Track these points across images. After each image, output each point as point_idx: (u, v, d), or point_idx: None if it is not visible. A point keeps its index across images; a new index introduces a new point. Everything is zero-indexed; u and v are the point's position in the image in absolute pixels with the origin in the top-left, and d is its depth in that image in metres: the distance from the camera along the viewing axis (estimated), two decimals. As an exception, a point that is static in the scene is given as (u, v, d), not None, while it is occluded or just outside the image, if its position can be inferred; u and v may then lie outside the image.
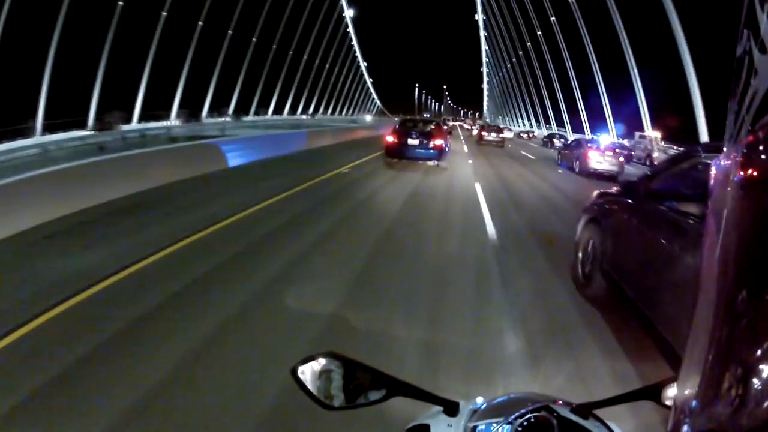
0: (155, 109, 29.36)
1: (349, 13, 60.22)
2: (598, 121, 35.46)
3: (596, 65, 33.28)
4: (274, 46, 41.83)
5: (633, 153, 23.90)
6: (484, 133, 28.12)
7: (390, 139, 12.08)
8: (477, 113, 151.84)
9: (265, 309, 3.42)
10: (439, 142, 11.87)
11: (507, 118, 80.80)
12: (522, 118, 66.32)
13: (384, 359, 2.73)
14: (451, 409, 0.83)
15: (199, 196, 7.30)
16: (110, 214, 5.91)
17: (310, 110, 57.02)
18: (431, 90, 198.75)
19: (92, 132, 23.23)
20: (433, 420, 0.82)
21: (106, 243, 4.77)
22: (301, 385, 0.78)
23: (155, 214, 5.98)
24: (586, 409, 0.77)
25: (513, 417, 0.72)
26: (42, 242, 4.75)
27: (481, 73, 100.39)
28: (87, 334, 2.90)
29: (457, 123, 71.53)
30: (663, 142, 24.37)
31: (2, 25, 18.16)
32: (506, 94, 76.03)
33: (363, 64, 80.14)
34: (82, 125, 23.43)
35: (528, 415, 0.72)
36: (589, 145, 15.14)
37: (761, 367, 0.36)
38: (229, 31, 33.51)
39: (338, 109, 72.80)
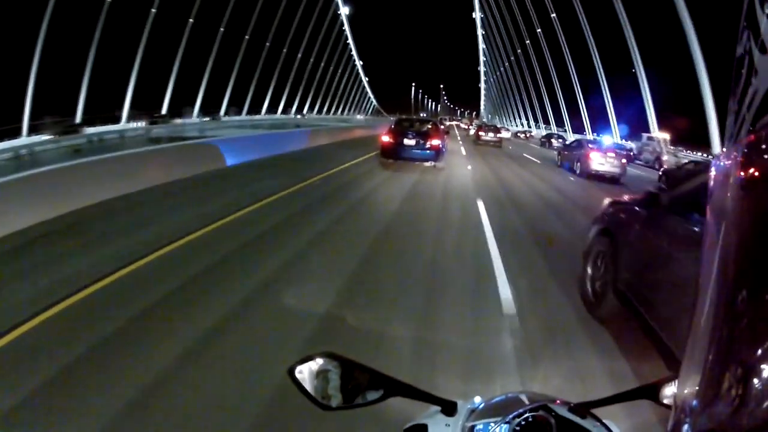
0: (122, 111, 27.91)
1: (344, 10, 60.36)
2: (599, 121, 35.65)
3: (599, 62, 33.08)
4: (268, 44, 41.66)
5: (633, 154, 23.91)
6: (481, 133, 28.27)
7: (385, 139, 12.05)
8: (474, 113, 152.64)
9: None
10: (436, 142, 11.87)
11: (504, 118, 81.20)
12: (519, 118, 66.67)
13: None
14: (449, 408, 0.84)
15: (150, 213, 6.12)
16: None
17: (294, 109, 55.03)
18: (428, 89, 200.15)
19: (52, 136, 21.72)
20: (430, 420, 0.84)
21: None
22: (298, 385, 0.80)
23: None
24: (584, 409, 0.78)
25: (511, 416, 0.73)
26: None
27: (479, 72, 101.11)
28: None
29: (454, 122, 71.75)
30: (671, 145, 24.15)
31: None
32: (503, 94, 76.45)
33: (359, 63, 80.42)
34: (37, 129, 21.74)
35: (526, 415, 0.73)
36: (590, 146, 15.17)
37: (761, 367, 0.37)
38: (190, 19, 32.05)
39: (333, 108, 72.78)
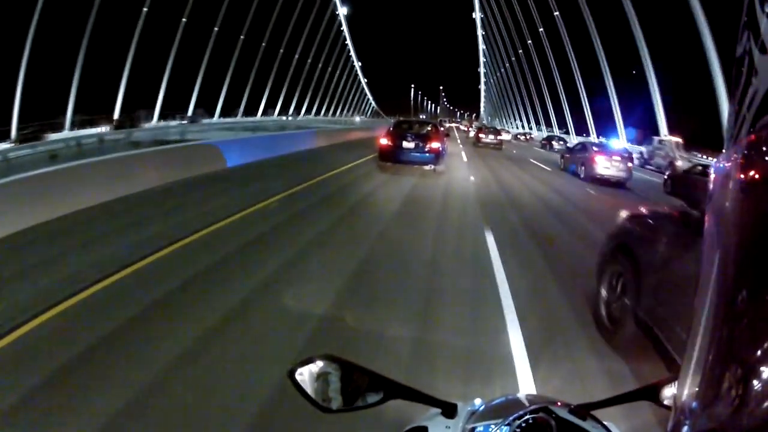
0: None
1: (342, 11, 60.62)
2: (603, 123, 35.54)
3: (605, 62, 32.47)
4: (264, 44, 41.67)
5: (643, 158, 23.65)
6: (481, 135, 28.37)
7: (384, 141, 12.02)
8: (474, 114, 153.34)
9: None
10: (435, 145, 11.85)
11: (504, 120, 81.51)
12: (519, 119, 66.90)
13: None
14: (449, 410, 0.86)
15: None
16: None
17: (277, 111, 52.88)
18: (427, 91, 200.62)
19: (13, 144, 20.62)
20: (431, 422, 0.86)
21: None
22: (298, 387, 0.81)
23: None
24: (584, 410, 0.80)
25: (511, 418, 0.75)
26: None
27: (479, 73, 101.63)
28: None
29: (454, 124, 71.97)
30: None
31: None
32: (504, 95, 76.74)
33: (357, 64, 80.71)
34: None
35: (526, 417, 0.74)
36: (595, 149, 15.06)
37: (761, 367, 0.38)
38: (183, 19, 31.78)
39: (330, 109, 72.98)
